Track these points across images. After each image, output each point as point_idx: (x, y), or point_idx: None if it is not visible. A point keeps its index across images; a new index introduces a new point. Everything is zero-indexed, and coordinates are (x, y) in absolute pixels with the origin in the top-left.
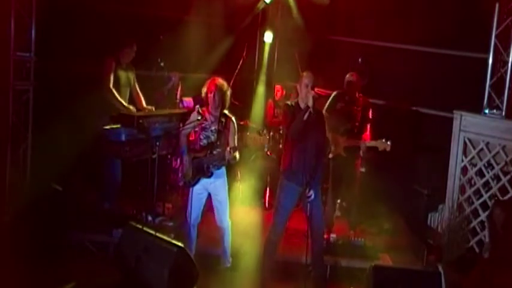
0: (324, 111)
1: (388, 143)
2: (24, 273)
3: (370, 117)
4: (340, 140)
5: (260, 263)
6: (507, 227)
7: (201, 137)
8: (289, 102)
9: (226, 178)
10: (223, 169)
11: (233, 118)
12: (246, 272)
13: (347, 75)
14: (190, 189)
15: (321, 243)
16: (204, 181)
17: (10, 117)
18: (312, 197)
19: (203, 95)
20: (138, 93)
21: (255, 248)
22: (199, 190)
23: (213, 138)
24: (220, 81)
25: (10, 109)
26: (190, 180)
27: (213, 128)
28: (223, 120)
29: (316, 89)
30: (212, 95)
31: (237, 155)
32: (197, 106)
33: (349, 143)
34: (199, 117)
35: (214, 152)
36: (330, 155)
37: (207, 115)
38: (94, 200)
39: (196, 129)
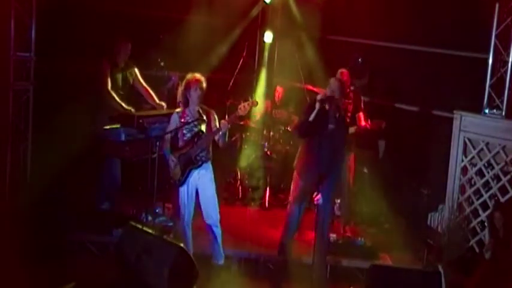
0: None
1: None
2: (24, 273)
3: (362, 107)
4: None
5: (276, 264)
6: (508, 229)
7: (184, 131)
8: (319, 96)
9: (213, 174)
10: (210, 165)
11: (212, 110)
12: (246, 273)
13: (337, 73)
14: (179, 189)
15: (325, 243)
16: (192, 178)
17: (10, 117)
18: (320, 201)
19: (182, 92)
20: (146, 89)
21: (255, 248)
22: (189, 187)
23: (196, 129)
24: (200, 77)
25: (10, 109)
26: (180, 177)
27: (195, 121)
28: (203, 112)
29: (317, 89)
30: (196, 92)
31: (226, 129)
32: (177, 110)
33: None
34: (179, 116)
35: (199, 142)
36: None
37: (187, 112)
38: (94, 200)
39: (181, 127)
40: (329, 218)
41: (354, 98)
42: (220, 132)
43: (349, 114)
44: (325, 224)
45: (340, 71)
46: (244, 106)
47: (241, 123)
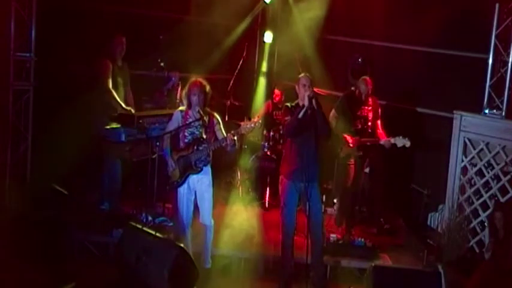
0: (333, 112)
1: (407, 139)
2: (24, 273)
3: (380, 115)
4: (353, 140)
5: (279, 267)
6: (508, 230)
7: (186, 133)
8: (288, 104)
9: (211, 178)
10: (209, 167)
11: (215, 113)
12: (246, 273)
13: (360, 80)
14: (178, 190)
15: (320, 243)
16: (190, 180)
17: (10, 117)
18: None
19: (184, 95)
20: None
21: (255, 248)
22: (187, 190)
23: (198, 133)
24: (202, 81)
25: (10, 109)
26: (178, 179)
27: (197, 124)
28: (205, 116)
29: (315, 89)
30: (196, 96)
31: (236, 138)
32: (179, 109)
33: (366, 142)
34: (182, 115)
35: (200, 148)
36: (342, 154)
37: (190, 113)
38: (94, 200)
39: (181, 128)
40: (321, 217)
41: (373, 105)
42: (226, 143)
43: (369, 124)
44: (318, 224)
45: (363, 78)
46: (247, 126)
47: (241, 123)
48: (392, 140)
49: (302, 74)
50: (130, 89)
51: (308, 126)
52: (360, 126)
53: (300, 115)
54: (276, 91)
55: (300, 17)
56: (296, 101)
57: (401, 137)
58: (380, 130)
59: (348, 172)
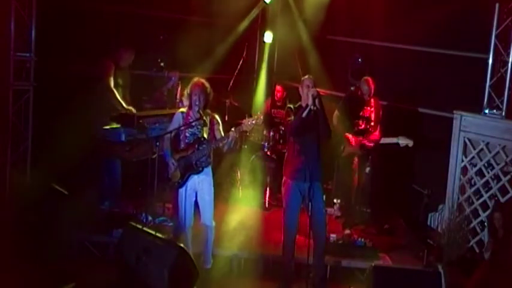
0: (336, 113)
1: (410, 139)
2: (24, 273)
3: (381, 115)
4: (355, 139)
5: (281, 267)
6: (507, 230)
7: (187, 134)
8: (291, 106)
9: (212, 179)
10: (210, 169)
11: (215, 115)
12: (246, 273)
13: (362, 81)
14: (179, 191)
15: (323, 242)
16: (191, 181)
17: (10, 117)
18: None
19: (186, 95)
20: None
21: (255, 249)
22: (188, 191)
23: (199, 134)
24: (204, 82)
25: (10, 109)
26: (179, 180)
27: (197, 123)
28: (206, 117)
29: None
30: (196, 96)
31: (237, 136)
32: (180, 110)
33: (370, 142)
34: (183, 116)
35: (201, 148)
36: (344, 154)
37: (191, 114)
38: (94, 200)
39: (182, 128)
40: (324, 217)
41: (375, 105)
42: (226, 141)
43: (372, 124)
44: (320, 224)
45: (365, 78)
46: (249, 122)
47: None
48: (395, 139)
49: (306, 76)
50: (128, 92)
51: (311, 126)
52: (362, 127)
53: (304, 114)
54: (278, 87)
55: (300, 17)
56: (299, 103)
57: (404, 137)
58: (376, 132)
59: (352, 172)
